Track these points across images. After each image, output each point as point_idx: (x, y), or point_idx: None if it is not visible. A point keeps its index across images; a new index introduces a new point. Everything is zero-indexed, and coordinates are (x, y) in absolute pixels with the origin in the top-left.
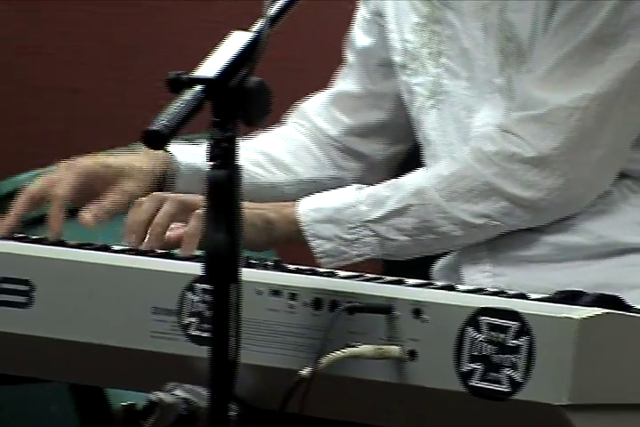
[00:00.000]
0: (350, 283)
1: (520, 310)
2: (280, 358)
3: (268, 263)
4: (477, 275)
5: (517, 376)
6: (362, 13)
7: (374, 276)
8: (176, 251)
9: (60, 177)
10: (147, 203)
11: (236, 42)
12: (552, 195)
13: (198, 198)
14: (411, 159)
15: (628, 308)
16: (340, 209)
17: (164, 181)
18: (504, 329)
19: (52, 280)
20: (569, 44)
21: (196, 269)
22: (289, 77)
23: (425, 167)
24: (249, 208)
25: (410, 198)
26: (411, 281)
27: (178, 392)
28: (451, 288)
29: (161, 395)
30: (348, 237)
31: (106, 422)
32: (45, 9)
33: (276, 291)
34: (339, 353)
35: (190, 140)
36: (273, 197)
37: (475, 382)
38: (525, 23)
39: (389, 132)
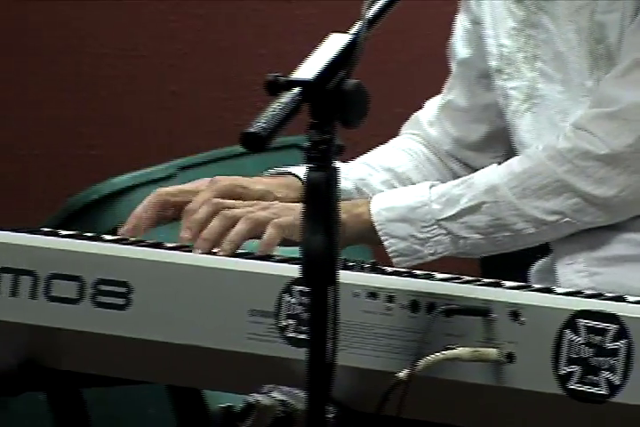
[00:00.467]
0: (447, 285)
1: (618, 313)
2: (377, 361)
3: (365, 265)
4: (573, 275)
5: (615, 379)
6: (462, 22)
7: (471, 278)
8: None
9: (200, 189)
10: (204, 207)
11: (333, 44)
12: (624, 192)
13: (267, 204)
14: None
15: None
16: (413, 208)
17: None
18: (602, 332)
19: (151, 282)
20: None
21: (293, 271)
22: (390, 81)
23: (495, 164)
24: None
25: (482, 196)
26: (508, 283)
27: (275, 394)
28: (548, 291)
29: (258, 397)
30: (422, 235)
31: (203, 424)
32: (147, 12)
33: (372, 293)
34: (436, 356)
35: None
36: None
37: (573, 385)
38: (614, 25)
39: (500, 143)
